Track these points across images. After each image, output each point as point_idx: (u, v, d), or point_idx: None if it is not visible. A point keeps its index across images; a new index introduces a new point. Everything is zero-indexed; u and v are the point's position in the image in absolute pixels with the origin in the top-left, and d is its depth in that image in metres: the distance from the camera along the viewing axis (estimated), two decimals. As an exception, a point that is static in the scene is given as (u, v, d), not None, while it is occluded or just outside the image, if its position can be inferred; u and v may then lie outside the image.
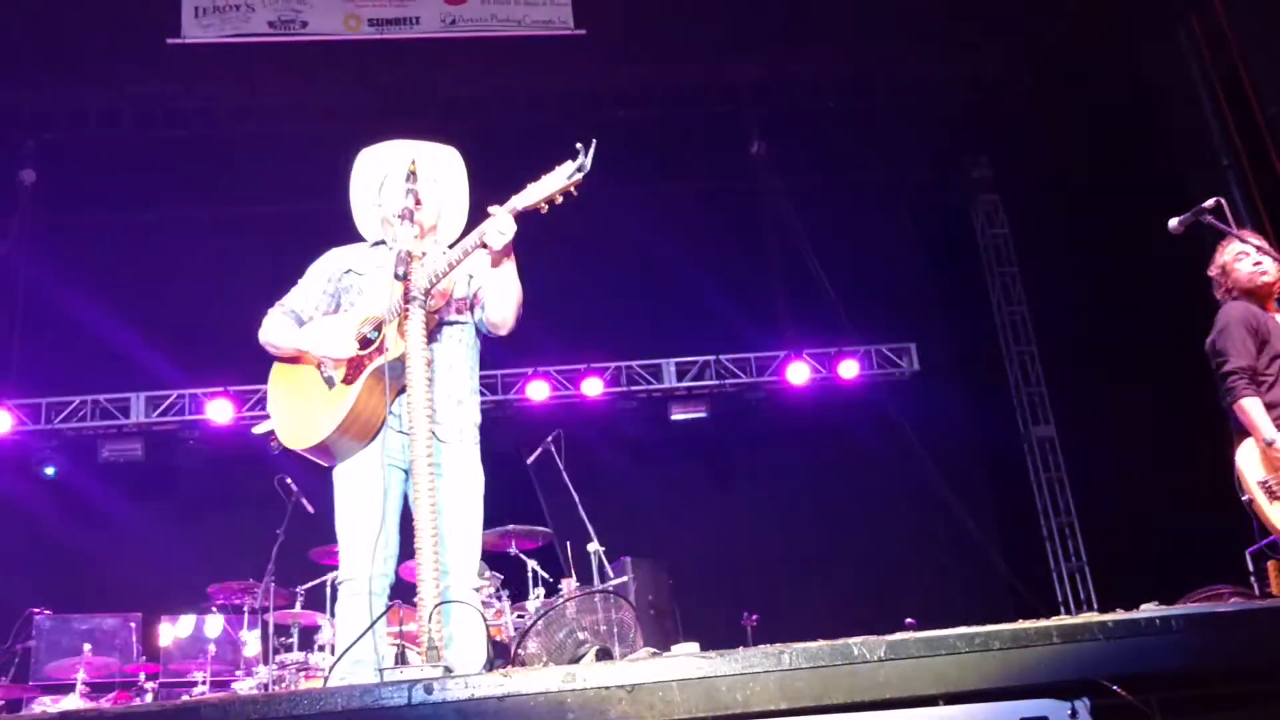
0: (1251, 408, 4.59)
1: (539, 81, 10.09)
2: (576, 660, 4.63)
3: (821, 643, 2.64)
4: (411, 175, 3.73)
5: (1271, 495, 4.47)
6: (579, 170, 3.50)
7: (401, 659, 3.11)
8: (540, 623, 4.97)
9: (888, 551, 10.11)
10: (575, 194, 3.54)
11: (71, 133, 9.80)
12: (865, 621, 4.33)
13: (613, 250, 9.50)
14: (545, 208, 3.57)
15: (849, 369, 10.28)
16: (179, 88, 9.73)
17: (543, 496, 8.81)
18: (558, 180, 3.54)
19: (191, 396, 9.90)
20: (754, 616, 8.02)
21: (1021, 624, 2.69)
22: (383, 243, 4.03)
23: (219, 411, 9.74)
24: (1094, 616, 2.74)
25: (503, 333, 3.95)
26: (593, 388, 10.06)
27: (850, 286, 10.16)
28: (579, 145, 3.49)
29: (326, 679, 3.61)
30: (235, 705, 2.51)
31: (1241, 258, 4.85)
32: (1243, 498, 4.60)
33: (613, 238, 9.37)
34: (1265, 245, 4.87)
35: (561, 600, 5.36)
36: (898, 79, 10.34)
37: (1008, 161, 11.03)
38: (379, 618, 3.69)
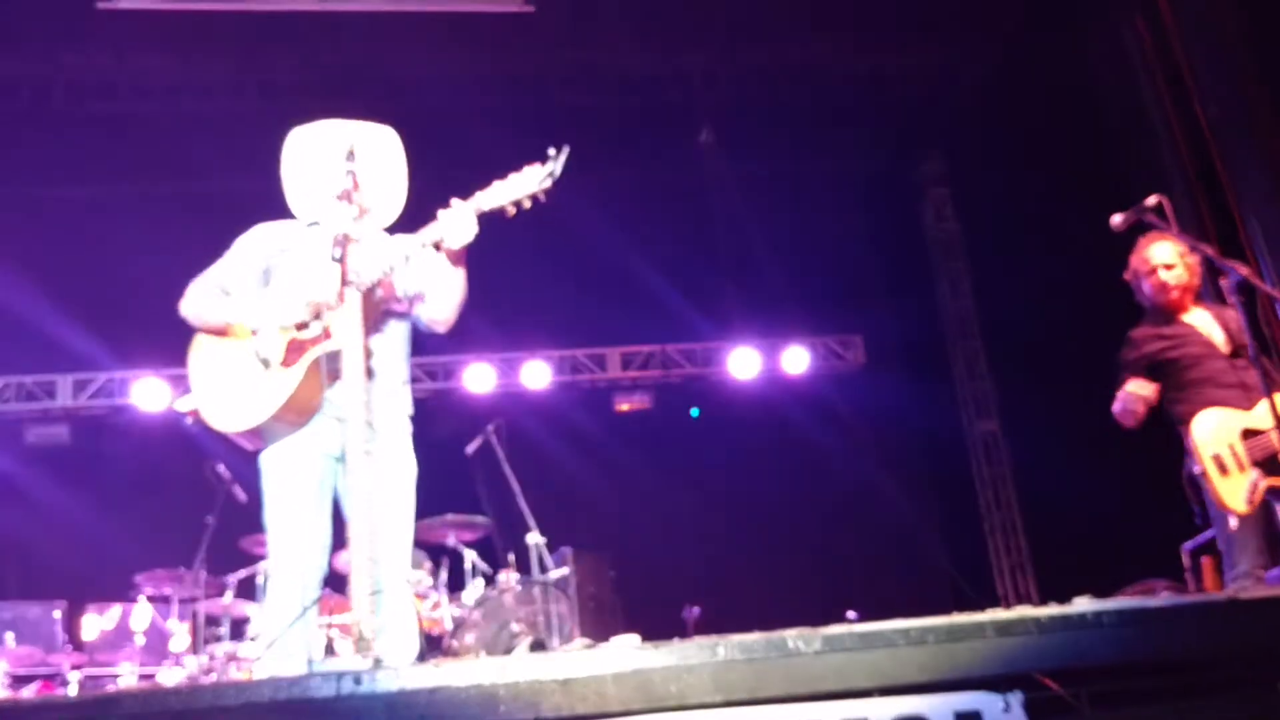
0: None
1: (483, 63, 9.93)
2: (509, 652, 4.58)
3: (757, 635, 2.63)
4: (350, 155, 3.65)
5: (1223, 469, 4.53)
6: (549, 176, 3.43)
7: (330, 650, 3.04)
8: (476, 614, 4.91)
9: (831, 544, 10.16)
10: (543, 200, 3.47)
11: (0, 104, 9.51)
12: (807, 614, 4.32)
13: (558, 237, 9.38)
14: (513, 210, 3.49)
15: (795, 360, 10.33)
16: (112, 60, 9.46)
17: (481, 487, 8.73)
18: (527, 184, 3.45)
19: (120, 379, 9.70)
20: (695, 609, 8.02)
21: (957, 618, 2.70)
22: (316, 223, 3.94)
23: (147, 394, 9.55)
24: (1028, 610, 2.76)
25: (441, 330, 3.92)
26: (536, 376, 10.00)
27: (798, 277, 10.19)
28: (551, 151, 3.41)
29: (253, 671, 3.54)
30: (158, 696, 2.49)
31: (1144, 274, 5.01)
32: (1194, 469, 4.65)
33: (558, 224, 9.20)
34: (1185, 248, 4.95)
35: (497, 592, 5.29)
36: (850, 70, 10.31)
37: (959, 155, 11.10)
38: (307, 609, 3.63)
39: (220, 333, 3.84)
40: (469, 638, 4.98)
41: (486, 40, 9.42)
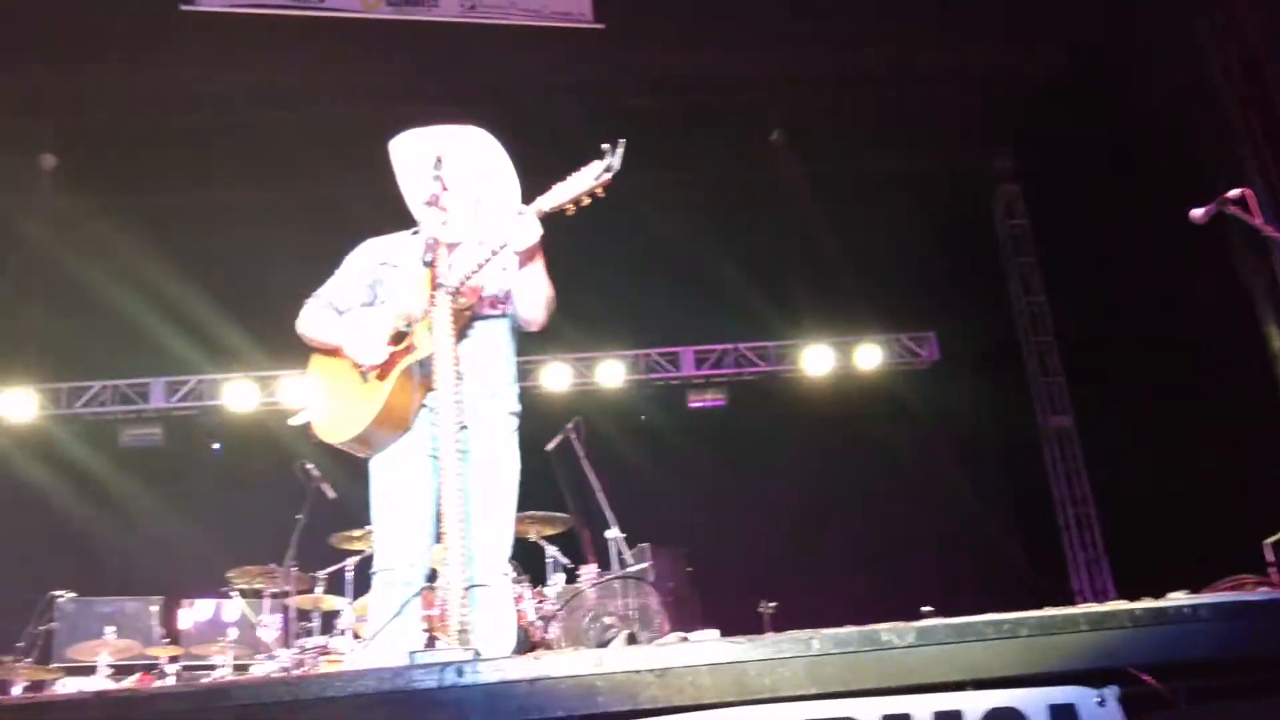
0: None
1: (556, 70, 10.06)
2: (603, 645, 4.66)
3: (850, 628, 2.65)
4: (437, 161, 3.74)
5: None
6: (607, 170, 3.46)
7: (431, 644, 3.14)
8: (567, 608, 5.01)
9: (904, 540, 10.12)
10: (603, 194, 3.51)
11: (92, 117, 9.82)
12: (882, 610, 4.33)
13: (632, 239, 9.49)
14: (573, 209, 3.55)
15: (868, 358, 10.30)
16: (198, 72, 9.73)
17: (562, 483, 8.84)
18: (585, 181, 3.50)
19: (210, 381, 9.97)
20: (772, 604, 8.03)
21: (1049, 611, 2.70)
22: (419, 232, 4.03)
23: (237, 396, 9.81)
24: (1122, 605, 2.75)
25: (534, 328, 3.99)
26: (611, 375, 10.09)
27: (870, 275, 10.17)
28: (605, 145, 3.45)
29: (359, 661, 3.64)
30: (268, 687, 2.54)
31: None
32: None
33: (632, 226, 9.36)
34: None
35: (588, 585, 5.38)
36: (920, 68, 10.27)
37: (1030, 152, 10.99)
38: (406, 603, 3.73)
39: (331, 351, 3.97)
40: (557, 630, 5.07)
41: (561, 48, 9.53)
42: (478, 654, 2.97)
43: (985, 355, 10.94)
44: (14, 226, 9.71)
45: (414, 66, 9.66)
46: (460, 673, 2.52)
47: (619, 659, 2.56)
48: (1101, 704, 2.46)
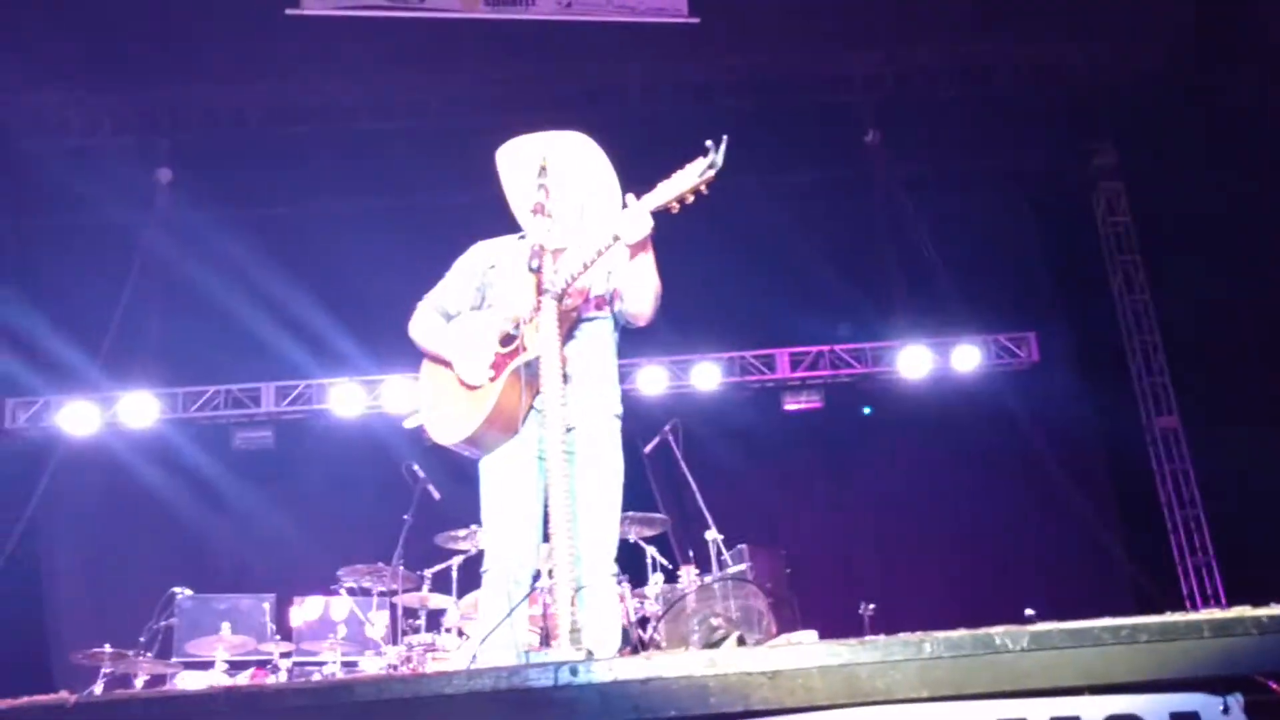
0: None
1: (652, 70, 10.14)
2: (710, 645, 4.69)
3: (962, 631, 2.62)
4: (541, 169, 3.80)
5: None
6: (710, 167, 3.47)
7: (545, 643, 3.18)
8: (675, 609, 5.05)
9: (1005, 543, 9.99)
10: (705, 192, 3.53)
11: (204, 132, 10.17)
12: (983, 614, 4.29)
13: (726, 240, 9.48)
14: (677, 206, 3.56)
15: (966, 359, 10.16)
16: (305, 85, 10.02)
17: (656, 485, 8.90)
18: (689, 178, 3.52)
19: (318, 386, 10.24)
20: (871, 606, 7.98)
21: (1170, 616, 2.65)
22: (525, 236, 4.10)
23: (345, 400, 10.05)
24: (1246, 611, 2.68)
25: (642, 324, 4.01)
26: (706, 378, 10.11)
27: (968, 275, 10.04)
28: (709, 143, 3.46)
29: (473, 659, 3.71)
30: (388, 684, 2.60)
31: None
32: None
33: (726, 227, 9.37)
34: None
35: (695, 586, 5.42)
36: (1017, 64, 10.14)
37: (1133, 148, 10.74)
38: (517, 605, 3.79)
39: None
40: (664, 630, 5.11)
41: (658, 50, 9.60)
42: (590, 653, 3.02)
43: (1087, 355, 10.72)
44: (134, 238, 10.08)
45: (513, 73, 9.83)
46: (574, 672, 2.55)
47: (731, 660, 2.57)
48: (1225, 711, 2.41)
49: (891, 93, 10.25)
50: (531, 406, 3.83)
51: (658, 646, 5.20)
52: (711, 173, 3.49)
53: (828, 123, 10.25)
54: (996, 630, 2.60)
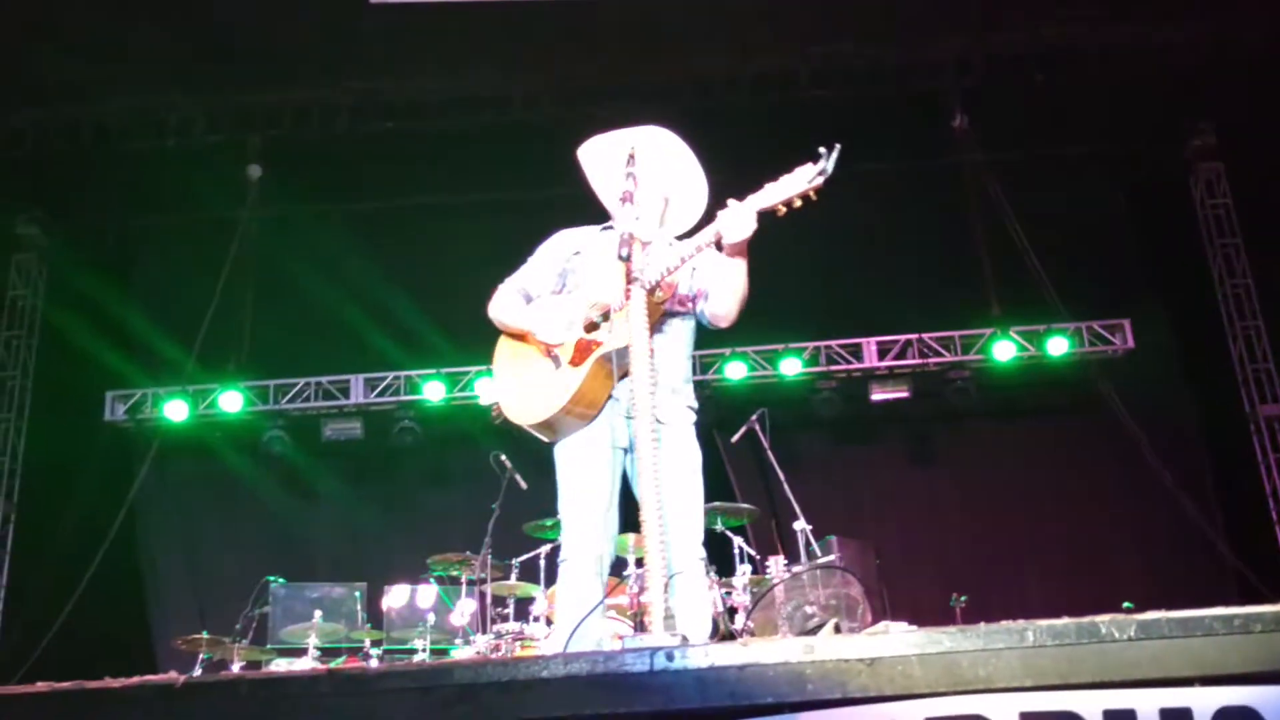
0: None
1: (734, 62, 10.09)
2: (805, 633, 4.66)
3: (1066, 620, 2.58)
4: (630, 159, 3.80)
5: None
6: (820, 175, 3.47)
7: (640, 629, 3.18)
8: (766, 597, 5.04)
9: (1101, 534, 9.78)
10: (815, 199, 3.51)
11: (294, 129, 10.36)
12: (1078, 605, 4.21)
13: (811, 229, 9.39)
14: (784, 210, 3.55)
15: (1058, 346, 9.94)
16: (391, 81, 10.15)
17: (742, 475, 8.90)
18: (798, 184, 3.50)
19: (406, 377, 10.38)
20: (963, 598, 7.88)
21: (1285, 606, 2.57)
22: (611, 227, 4.12)
23: (432, 391, 10.19)
24: (1367, 599, 2.60)
25: (724, 325, 4.00)
26: (791, 367, 10.05)
27: (1060, 261, 9.83)
28: (822, 150, 3.46)
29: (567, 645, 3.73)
30: (487, 668, 2.62)
31: None
32: None
33: (812, 216, 9.30)
34: None
35: (790, 574, 5.40)
36: (1109, 45, 9.88)
37: (1231, 129, 10.42)
38: (603, 600, 3.80)
39: (520, 335, 4.08)
40: (761, 619, 5.10)
41: (742, 41, 9.55)
42: (685, 640, 3.02)
43: (1185, 342, 10.46)
44: (227, 234, 10.32)
45: (594, 66, 9.84)
46: (670, 657, 2.55)
47: (829, 647, 2.56)
48: (1348, 704, 2.34)
49: (979, 77, 10.07)
50: (610, 396, 3.85)
51: (750, 634, 5.19)
52: (820, 180, 3.48)
53: (914, 109, 10.11)
54: (1102, 619, 2.55)
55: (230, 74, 9.84)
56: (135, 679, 2.60)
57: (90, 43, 8.97)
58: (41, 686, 2.56)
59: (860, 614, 4.94)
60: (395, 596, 7.90)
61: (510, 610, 7.31)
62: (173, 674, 2.56)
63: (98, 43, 8.96)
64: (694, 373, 9.73)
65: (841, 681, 2.52)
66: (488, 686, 2.54)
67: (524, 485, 7.28)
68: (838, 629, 4.55)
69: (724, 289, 3.86)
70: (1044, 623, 2.57)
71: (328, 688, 2.55)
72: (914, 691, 2.50)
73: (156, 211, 10.63)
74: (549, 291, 4.10)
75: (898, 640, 2.58)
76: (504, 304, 4.12)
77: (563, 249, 4.16)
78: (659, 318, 3.89)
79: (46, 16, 8.65)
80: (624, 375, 3.70)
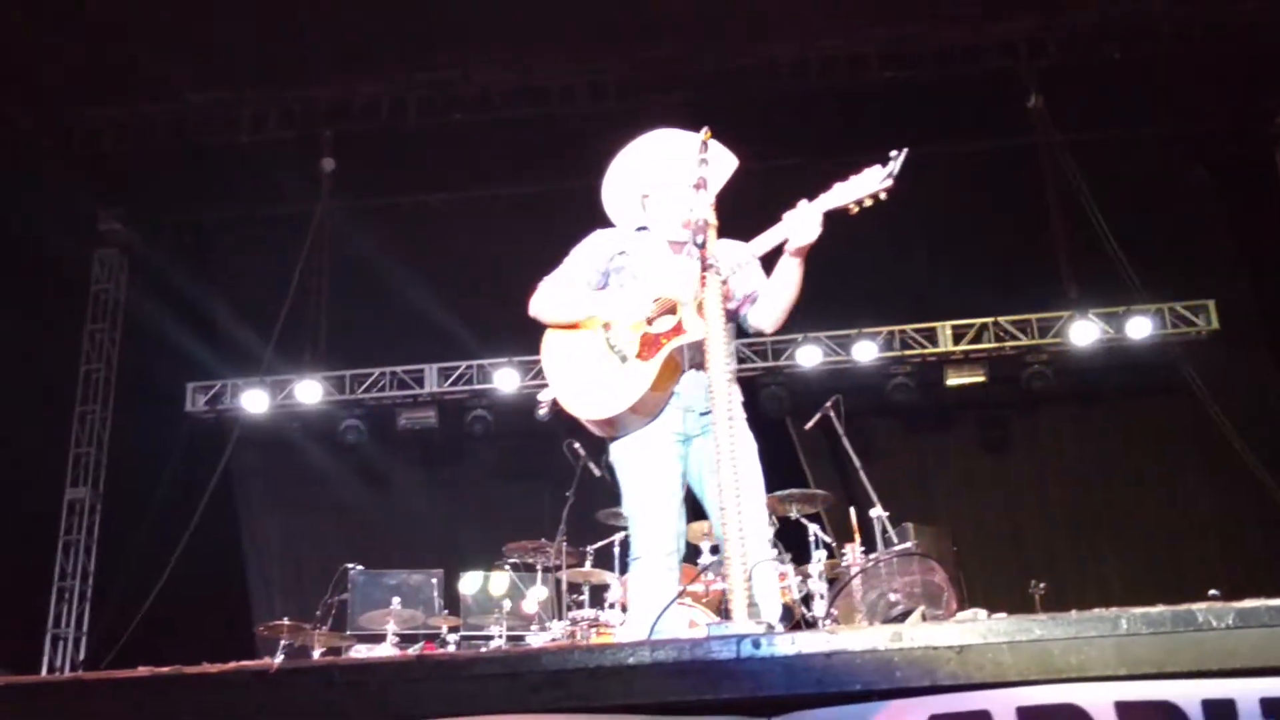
0: None
1: (802, 45, 10.00)
2: (890, 621, 4.63)
3: (1161, 607, 2.53)
4: (704, 145, 3.78)
5: None
6: (889, 177, 3.46)
7: (726, 615, 3.18)
8: (849, 584, 5.01)
9: (1183, 521, 9.59)
10: (884, 199, 3.50)
11: (365, 122, 10.48)
12: (1160, 593, 4.14)
13: (884, 213, 9.31)
14: (855, 209, 3.54)
15: (1140, 328, 9.73)
16: (458, 74, 10.22)
17: (817, 462, 8.85)
18: (867, 185, 3.49)
19: (479, 366, 10.47)
20: (1042, 585, 7.77)
21: (1396, 593, 2.50)
22: (644, 229, 4.09)
23: (504, 380, 10.26)
24: None
25: (768, 331, 3.99)
26: (865, 353, 9.96)
27: (1140, 242, 9.64)
28: (892, 153, 3.44)
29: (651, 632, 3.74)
30: (574, 654, 2.64)
31: None
32: None
33: (883, 201, 9.20)
34: None
35: (874, 561, 5.36)
36: (1188, 20, 9.64)
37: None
38: (681, 592, 3.79)
39: (570, 327, 4.02)
40: (844, 606, 5.08)
41: (807, 25, 9.46)
42: (771, 627, 3.01)
43: (1272, 322, 10.18)
44: (303, 227, 10.48)
45: (659, 55, 9.82)
46: (757, 645, 2.55)
47: (917, 634, 2.54)
48: None
49: (1055, 57, 9.89)
50: (674, 390, 3.83)
51: (834, 622, 5.17)
52: (890, 182, 3.48)
53: (988, 90, 9.95)
54: (1199, 606, 2.51)
55: (300, 69, 9.98)
56: (231, 664, 2.67)
57: (168, 41, 9.14)
58: (143, 671, 2.63)
59: (945, 601, 4.89)
60: (469, 583, 7.96)
61: (585, 597, 7.34)
62: (267, 660, 2.62)
63: (175, 41, 9.12)
64: (766, 359, 9.73)
65: (930, 669, 2.50)
66: (575, 673, 2.55)
67: (598, 473, 7.30)
68: (924, 616, 4.51)
69: (776, 294, 3.84)
70: (1138, 610, 2.52)
71: (419, 673, 2.58)
72: (1004, 680, 2.48)
73: (233, 205, 10.81)
74: (591, 289, 4.05)
75: (988, 627, 2.55)
76: (557, 296, 4.04)
77: (606, 249, 4.09)
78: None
79: (124, 16, 8.81)
80: (694, 366, 3.70)
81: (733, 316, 3.98)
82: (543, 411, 4.11)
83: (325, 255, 10.53)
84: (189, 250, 10.96)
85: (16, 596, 9.66)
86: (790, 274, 3.76)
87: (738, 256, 3.68)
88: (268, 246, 10.83)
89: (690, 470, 3.89)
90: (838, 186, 3.54)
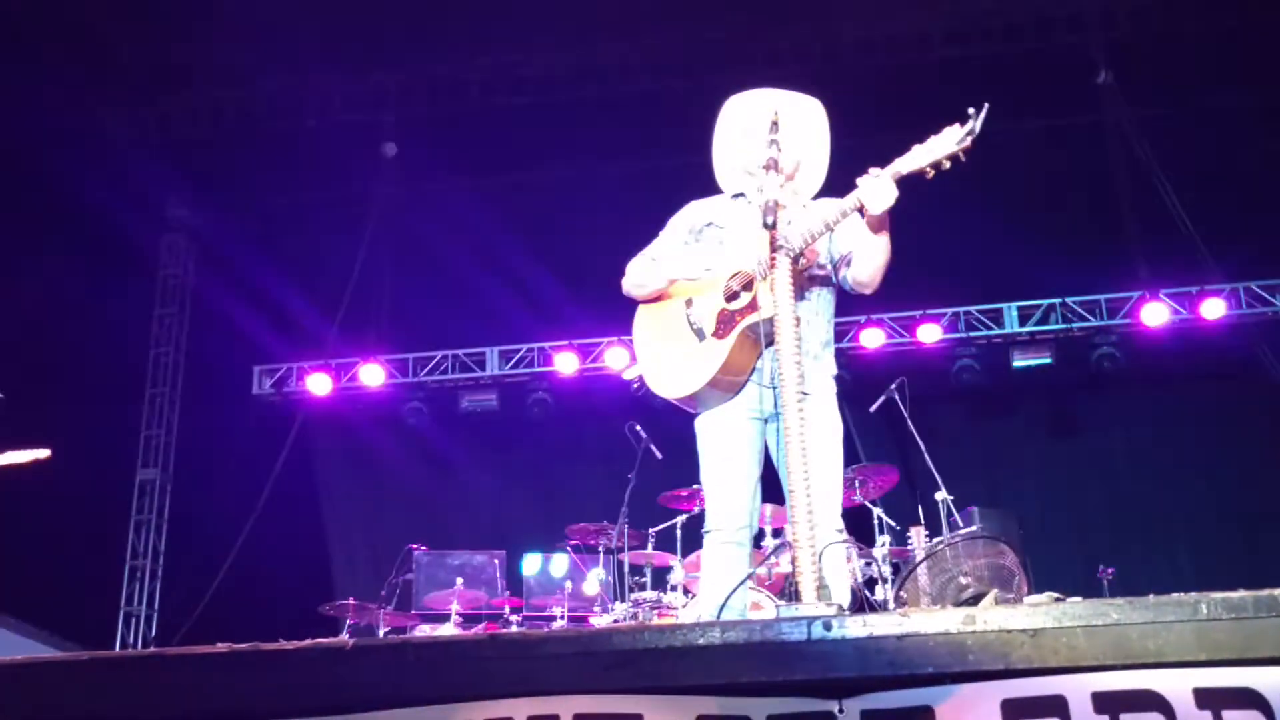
0: None
1: (865, 23, 9.90)
2: (961, 604, 4.59)
3: (1242, 592, 2.48)
4: (774, 125, 3.75)
5: None
6: (969, 135, 3.40)
7: (795, 597, 3.16)
8: (918, 566, 4.98)
9: (1258, 507, 9.35)
10: (963, 159, 3.44)
11: (426, 107, 10.54)
12: (1235, 582, 4.04)
13: (950, 190, 9.17)
14: (932, 172, 3.49)
15: (1213, 309, 9.52)
16: (519, 57, 10.23)
17: (881, 445, 8.75)
18: (945, 145, 3.44)
19: (540, 349, 10.52)
20: (1110, 570, 7.65)
21: None
22: (742, 195, 4.08)
23: (564, 363, 10.30)
24: None
25: (868, 292, 3.95)
26: (929, 334, 9.86)
27: (1213, 221, 9.41)
28: (970, 110, 3.38)
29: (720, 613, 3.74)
30: (645, 634, 2.65)
31: None
32: None
33: (947, 179, 9.06)
34: None
35: (944, 545, 5.32)
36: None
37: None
38: (752, 573, 3.79)
39: (656, 303, 4.07)
40: (913, 589, 5.04)
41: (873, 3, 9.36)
42: (842, 609, 2.99)
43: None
44: (365, 210, 10.58)
45: (726, 33, 9.76)
46: (828, 627, 2.55)
47: (990, 617, 2.52)
48: None
49: (1125, 30, 9.66)
50: (754, 367, 3.82)
51: (901, 604, 5.14)
52: (969, 141, 3.41)
53: (1054, 67, 9.76)
54: (1280, 591, 2.44)
55: (365, 54, 10.05)
56: (308, 641, 2.71)
57: (235, 27, 9.23)
58: (222, 647, 2.67)
59: (1015, 585, 4.83)
60: (530, 565, 8.03)
61: (647, 579, 7.36)
62: (343, 637, 2.66)
63: (242, 27, 9.21)
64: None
65: (1004, 653, 2.48)
66: (646, 653, 2.57)
67: (659, 455, 7.32)
68: (997, 600, 4.47)
69: (866, 257, 3.81)
70: (1218, 595, 2.49)
71: (492, 651, 2.61)
72: (1080, 664, 2.45)
73: (298, 189, 10.93)
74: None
75: (1062, 611, 2.52)
76: (639, 268, 4.11)
77: (695, 219, 4.13)
78: (802, 285, 3.85)
79: (192, 2, 8.92)
80: (769, 344, 3.67)
81: (826, 281, 3.97)
82: (637, 388, 4.15)
83: (388, 238, 10.62)
84: (255, 234, 11.10)
85: (90, 574, 9.89)
86: (869, 240, 3.75)
87: (820, 221, 3.65)
88: (332, 230, 10.93)
89: (772, 450, 3.89)
90: (915, 149, 3.51)
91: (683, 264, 3.98)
